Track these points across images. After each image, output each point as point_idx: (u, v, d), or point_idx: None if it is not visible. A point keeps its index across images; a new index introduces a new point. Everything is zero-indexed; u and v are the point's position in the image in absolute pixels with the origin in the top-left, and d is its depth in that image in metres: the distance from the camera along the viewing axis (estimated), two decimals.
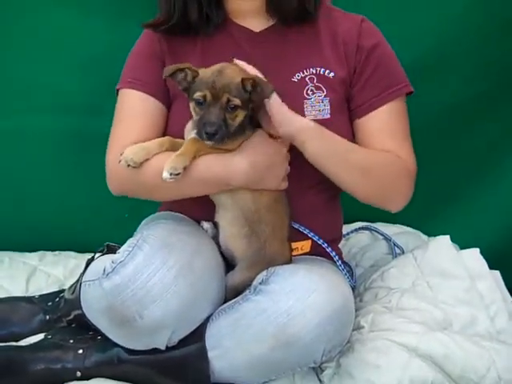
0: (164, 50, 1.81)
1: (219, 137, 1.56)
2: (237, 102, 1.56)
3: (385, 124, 1.79)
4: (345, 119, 1.81)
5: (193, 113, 1.61)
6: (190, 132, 1.67)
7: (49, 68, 2.19)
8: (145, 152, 1.63)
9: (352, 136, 1.82)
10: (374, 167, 1.75)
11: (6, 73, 2.20)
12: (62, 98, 2.22)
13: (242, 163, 1.62)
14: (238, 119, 1.59)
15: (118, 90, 1.84)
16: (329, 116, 1.77)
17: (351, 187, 1.76)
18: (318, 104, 1.77)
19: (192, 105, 1.61)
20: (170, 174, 1.54)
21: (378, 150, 1.77)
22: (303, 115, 1.73)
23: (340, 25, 1.81)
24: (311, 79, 1.78)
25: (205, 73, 1.59)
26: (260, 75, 1.63)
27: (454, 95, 2.27)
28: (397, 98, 1.80)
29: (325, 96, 1.77)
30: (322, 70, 1.78)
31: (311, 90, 1.77)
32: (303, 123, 1.67)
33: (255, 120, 1.68)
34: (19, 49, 2.18)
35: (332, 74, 1.78)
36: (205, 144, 1.60)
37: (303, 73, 1.78)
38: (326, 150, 1.69)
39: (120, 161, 1.62)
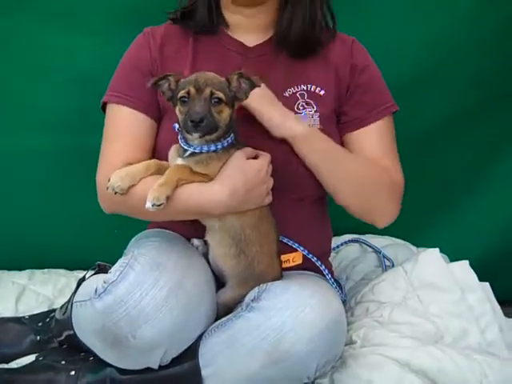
0: (155, 58, 1.81)
1: (205, 125, 1.56)
2: (220, 95, 1.57)
3: (375, 142, 1.82)
4: (334, 134, 1.82)
5: (178, 115, 1.61)
6: (175, 158, 1.67)
7: (37, 86, 2.19)
8: (130, 178, 1.62)
9: None
10: (363, 178, 1.77)
11: None
12: (51, 116, 2.22)
13: (222, 193, 1.60)
14: (224, 115, 1.59)
15: (104, 103, 1.83)
16: None
17: (337, 194, 1.79)
18: (308, 119, 1.78)
19: (177, 108, 1.61)
20: (153, 205, 1.54)
21: (372, 162, 1.80)
22: None
23: (332, 45, 1.84)
24: (302, 95, 1.80)
25: (187, 76, 1.62)
26: None
27: (443, 108, 2.30)
28: (385, 117, 1.83)
29: (315, 111, 1.79)
30: (313, 86, 1.81)
31: (302, 106, 1.79)
32: (301, 128, 1.71)
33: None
34: (7, 68, 2.17)
35: (323, 92, 1.81)
36: (187, 172, 1.60)
37: (294, 89, 1.80)
38: (315, 152, 1.72)
39: (107, 188, 1.61)
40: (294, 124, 1.71)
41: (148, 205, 1.53)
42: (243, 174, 1.63)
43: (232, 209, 1.64)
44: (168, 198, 1.55)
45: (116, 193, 1.60)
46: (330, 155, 1.75)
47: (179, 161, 1.65)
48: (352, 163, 1.78)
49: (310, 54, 1.82)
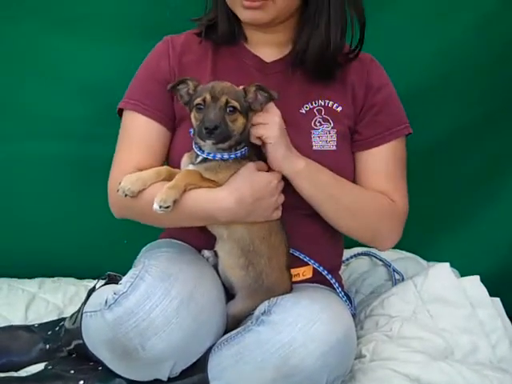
0: (173, 66, 1.81)
1: (219, 133, 1.56)
2: (235, 103, 1.58)
3: (383, 164, 1.82)
4: (349, 151, 1.83)
5: (193, 122, 1.62)
6: (186, 165, 1.68)
7: (49, 94, 2.19)
8: (141, 182, 1.64)
9: (354, 168, 1.84)
10: (362, 210, 1.78)
11: (6, 99, 2.20)
12: (62, 124, 2.22)
13: (228, 200, 1.61)
14: (238, 124, 1.60)
15: (120, 109, 1.84)
16: (335, 148, 1.78)
17: (338, 225, 1.80)
18: (325, 135, 1.78)
19: (193, 114, 1.62)
20: (160, 207, 1.55)
21: (371, 192, 1.80)
22: (310, 146, 1.76)
23: (349, 62, 1.83)
24: (319, 111, 1.80)
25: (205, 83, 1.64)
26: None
27: (453, 119, 2.30)
28: (397, 139, 1.83)
29: (332, 128, 1.79)
30: (331, 103, 1.81)
31: (319, 122, 1.79)
32: (295, 164, 1.67)
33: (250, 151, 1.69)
34: (19, 75, 2.18)
35: (340, 108, 1.80)
36: (196, 177, 1.62)
37: (311, 104, 1.80)
38: (314, 189, 1.71)
39: (118, 190, 1.63)
40: (295, 161, 1.68)
41: (155, 206, 1.54)
42: (251, 184, 1.63)
43: (238, 217, 1.64)
44: (175, 202, 1.56)
45: (126, 195, 1.62)
46: (327, 192, 1.73)
47: (190, 167, 1.66)
48: (351, 197, 1.77)
49: (327, 76, 1.80)
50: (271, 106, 1.66)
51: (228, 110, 1.58)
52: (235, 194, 1.61)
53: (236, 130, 1.60)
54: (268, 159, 1.67)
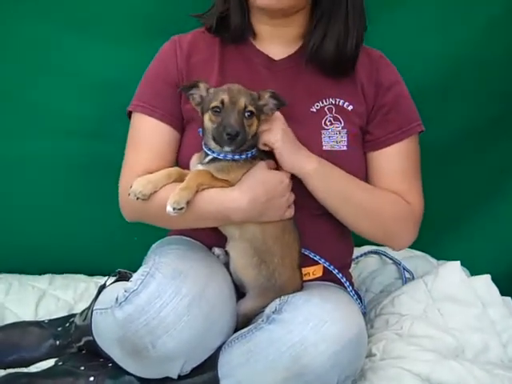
0: (181, 68, 1.80)
1: (240, 139, 1.56)
2: (253, 108, 1.58)
3: (396, 163, 1.80)
4: (360, 151, 1.82)
5: (208, 124, 1.61)
6: (195, 165, 1.68)
7: (59, 93, 2.19)
8: (152, 185, 1.63)
9: (366, 168, 1.83)
10: (376, 210, 1.76)
11: (18, 97, 2.20)
12: (74, 122, 2.22)
13: (241, 200, 1.61)
14: (253, 128, 1.60)
15: (130, 111, 1.84)
16: (345, 148, 1.77)
17: (352, 226, 1.80)
18: (336, 135, 1.76)
19: (208, 116, 1.61)
20: (174, 209, 1.54)
21: (385, 192, 1.78)
22: (320, 146, 1.74)
23: (359, 60, 1.80)
24: (330, 109, 1.78)
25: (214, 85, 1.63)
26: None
27: (464, 120, 2.28)
28: (409, 137, 1.81)
29: (342, 127, 1.77)
30: (341, 101, 1.79)
31: (329, 121, 1.77)
32: (306, 165, 1.67)
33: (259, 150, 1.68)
34: (31, 73, 2.18)
35: (351, 107, 1.79)
36: (208, 177, 1.61)
37: (322, 103, 1.78)
38: (327, 189, 1.70)
39: (129, 194, 1.63)
40: (305, 161, 1.67)
41: (169, 209, 1.54)
42: (264, 184, 1.63)
43: (251, 217, 1.64)
44: (188, 203, 1.56)
45: (138, 198, 1.61)
46: (339, 191, 1.72)
47: (199, 167, 1.66)
48: (365, 197, 1.75)
49: (341, 73, 1.78)
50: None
51: (246, 114, 1.58)
52: (248, 194, 1.61)
53: (251, 133, 1.60)
54: (278, 162, 1.67)
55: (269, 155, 1.69)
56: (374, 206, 1.76)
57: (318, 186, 1.69)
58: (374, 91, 1.80)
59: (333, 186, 1.71)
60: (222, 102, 1.57)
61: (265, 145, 1.65)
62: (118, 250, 2.25)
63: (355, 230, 1.82)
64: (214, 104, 1.58)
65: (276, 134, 1.64)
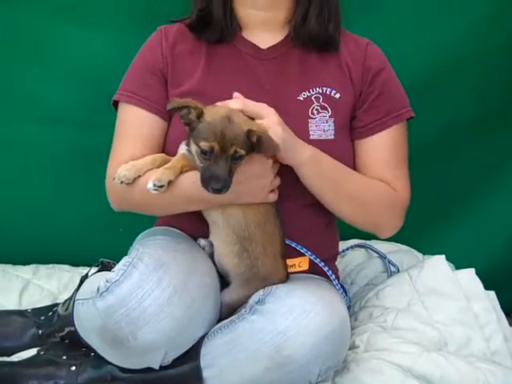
0: (166, 56, 1.80)
1: (226, 190, 1.52)
2: (243, 152, 1.54)
3: (383, 151, 1.80)
4: (348, 140, 1.81)
5: (195, 156, 1.57)
6: (182, 147, 1.67)
7: (48, 81, 2.17)
8: (136, 169, 1.64)
9: (353, 157, 1.82)
10: (365, 199, 1.76)
11: (6, 84, 2.18)
12: (62, 110, 2.21)
13: None
14: (241, 163, 1.57)
15: (115, 101, 1.83)
16: (333, 137, 1.76)
17: (341, 215, 1.80)
18: (323, 124, 1.76)
19: (195, 148, 1.56)
20: (154, 185, 1.55)
21: (373, 180, 1.78)
22: (307, 135, 1.73)
23: (345, 46, 1.82)
24: (317, 98, 1.78)
25: (212, 115, 1.54)
26: (260, 106, 1.62)
27: (452, 114, 2.28)
28: (398, 124, 1.80)
29: (330, 116, 1.77)
30: (329, 89, 1.78)
31: (316, 110, 1.77)
32: (299, 155, 1.65)
33: None
34: (19, 61, 2.16)
35: (338, 95, 1.78)
36: (192, 159, 1.60)
37: (309, 92, 1.78)
38: (318, 177, 1.70)
39: (114, 178, 1.62)
40: (298, 151, 1.66)
41: (149, 185, 1.55)
42: (246, 164, 1.58)
43: (232, 198, 1.61)
44: (170, 183, 1.56)
45: (122, 182, 1.61)
46: (331, 179, 1.72)
47: (186, 151, 1.64)
48: (352, 185, 1.75)
49: (326, 51, 1.79)
50: (264, 107, 1.62)
51: (235, 158, 1.53)
52: None
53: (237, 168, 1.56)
54: None
55: None
56: (362, 193, 1.76)
57: (310, 174, 1.68)
58: (362, 77, 1.80)
59: (324, 174, 1.70)
60: (212, 149, 1.52)
61: None
62: (104, 240, 2.25)
63: (342, 217, 1.81)
64: (203, 145, 1.52)
65: (277, 131, 1.59)
